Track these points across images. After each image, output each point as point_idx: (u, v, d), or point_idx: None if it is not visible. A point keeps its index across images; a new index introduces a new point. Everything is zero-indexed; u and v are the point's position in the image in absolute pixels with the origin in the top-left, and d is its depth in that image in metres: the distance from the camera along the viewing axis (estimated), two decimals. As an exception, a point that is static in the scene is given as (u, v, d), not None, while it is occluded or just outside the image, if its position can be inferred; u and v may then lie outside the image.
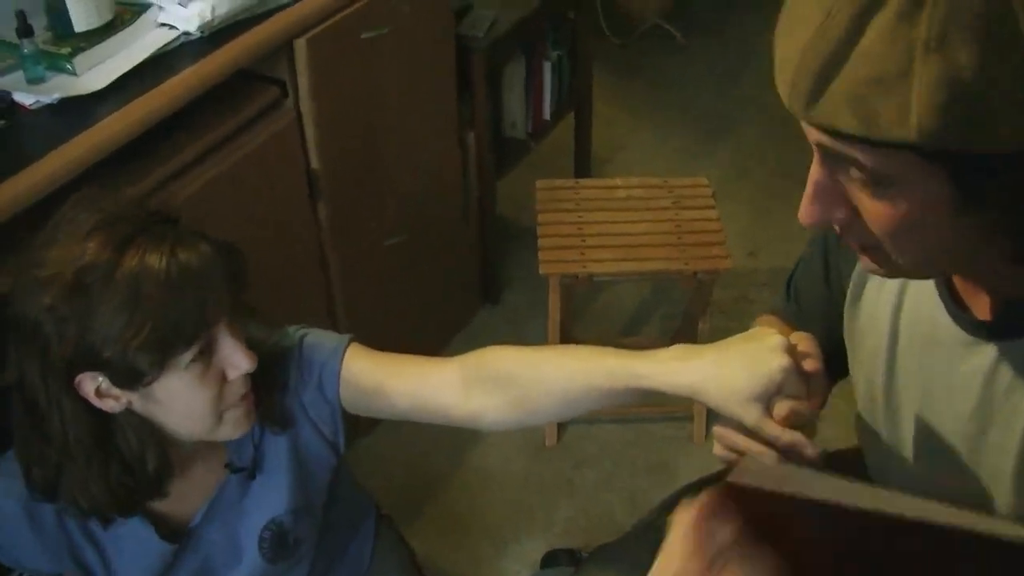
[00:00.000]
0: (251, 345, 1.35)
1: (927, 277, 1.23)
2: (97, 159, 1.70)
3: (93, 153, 1.69)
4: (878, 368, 1.35)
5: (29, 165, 1.63)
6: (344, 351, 1.47)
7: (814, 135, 1.00)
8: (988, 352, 1.17)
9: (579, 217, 2.64)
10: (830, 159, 1.01)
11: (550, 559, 2.46)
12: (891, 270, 1.10)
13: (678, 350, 1.23)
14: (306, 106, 2.12)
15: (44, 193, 1.62)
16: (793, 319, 1.52)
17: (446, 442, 2.77)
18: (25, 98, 1.76)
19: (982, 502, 1.25)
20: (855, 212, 1.05)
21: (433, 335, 2.95)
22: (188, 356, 1.26)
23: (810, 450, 1.15)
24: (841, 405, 1.54)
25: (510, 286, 3.24)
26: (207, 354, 1.29)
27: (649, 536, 1.56)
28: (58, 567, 1.48)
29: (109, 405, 1.28)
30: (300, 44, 2.05)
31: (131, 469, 1.34)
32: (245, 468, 1.48)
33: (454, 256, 2.94)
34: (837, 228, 1.07)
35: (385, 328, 2.65)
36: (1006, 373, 1.15)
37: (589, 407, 1.32)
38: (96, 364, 1.24)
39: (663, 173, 3.36)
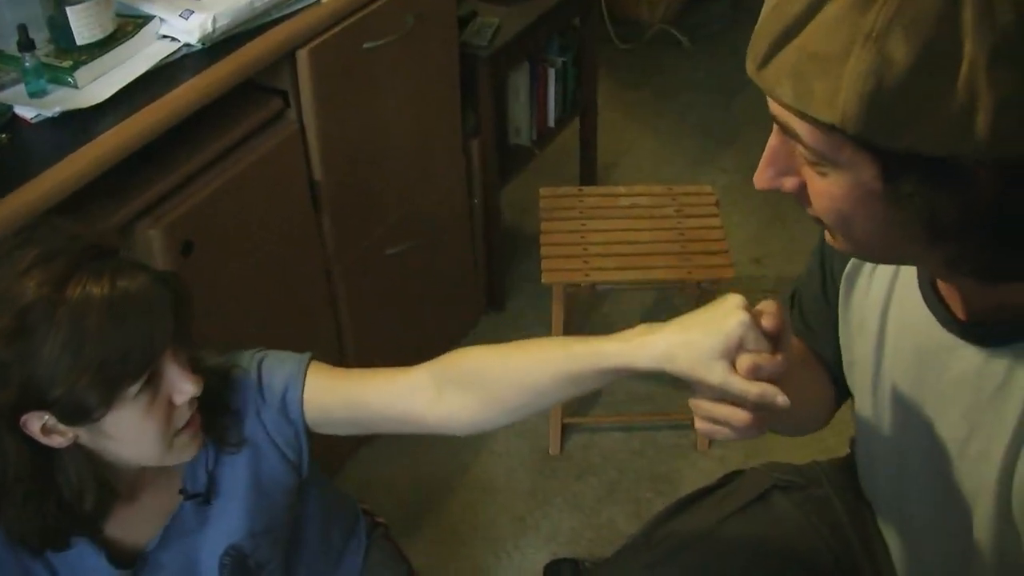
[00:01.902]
0: (196, 368, 1.34)
1: (878, 262, 1.27)
2: (98, 172, 1.70)
3: (94, 167, 1.69)
4: (866, 374, 1.36)
5: (31, 179, 1.63)
6: (305, 371, 1.45)
7: (771, 106, 1.04)
8: (974, 356, 1.17)
9: (582, 225, 2.64)
10: (781, 128, 1.05)
11: (552, 570, 2.46)
12: (843, 247, 1.13)
13: (642, 327, 1.23)
14: (309, 117, 2.12)
15: (46, 207, 1.62)
16: (798, 331, 1.53)
17: (447, 453, 2.77)
18: (26, 112, 1.77)
19: (964, 509, 1.26)
20: (804, 184, 1.08)
21: (437, 342, 2.93)
22: (136, 388, 1.25)
23: (780, 399, 1.15)
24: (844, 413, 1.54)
25: (514, 292, 3.24)
26: (154, 383, 1.28)
27: (642, 553, 1.57)
28: None
29: (56, 441, 1.27)
30: (302, 55, 2.05)
31: (67, 507, 1.33)
32: (200, 494, 1.46)
33: (458, 263, 2.94)
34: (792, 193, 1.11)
35: (389, 335, 2.65)
36: (992, 378, 1.16)
37: (563, 395, 1.32)
38: (42, 404, 1.22)
39: (669, 179, 3.35)
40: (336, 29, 2.11)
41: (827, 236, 1.14)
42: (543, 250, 2.57)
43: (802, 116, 0.98)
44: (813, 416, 1.52)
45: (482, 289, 3.11)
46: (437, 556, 2.52)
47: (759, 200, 3.59)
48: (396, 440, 2.75)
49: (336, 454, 2.68)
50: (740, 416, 1.18)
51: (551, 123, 3.23)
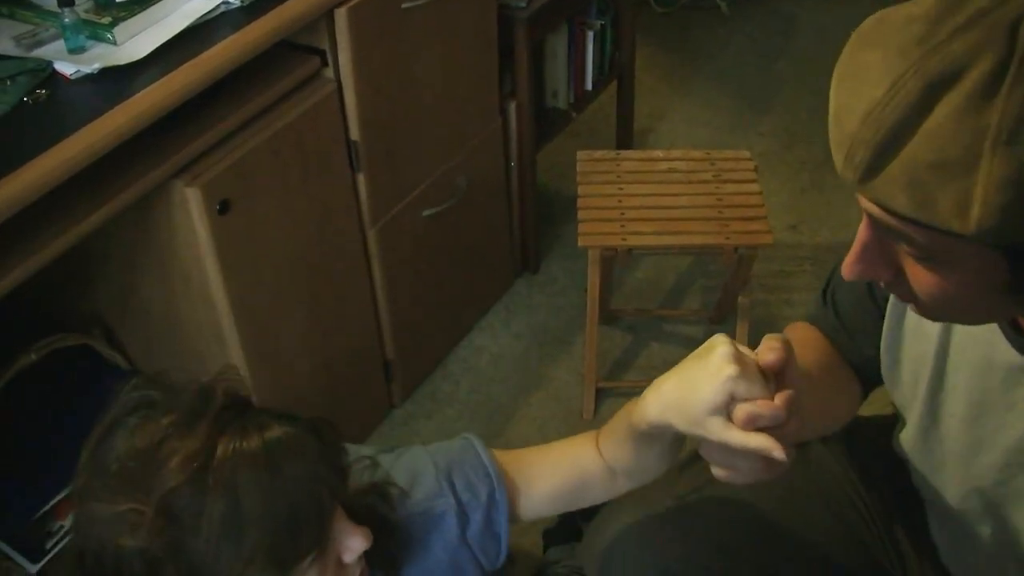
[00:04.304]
0: (352, 508, 1.21)
1: (961, 324, 1.22)
2: (137, 130, 1.69)
3: (132, 124, 1.69)
4: (922, 381, 1.33)
5: (69, 135, 1.63)
6: (500, 479, 1.41)
7: (866, 204, 0.96)
8: None
9: (619, 189, 2.62)
10: (881, 229, 0.98)
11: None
12: (929, 317, 1.10)
13: (656, 382, 1.25)
14: (346, 77, 2.11)
15: (84, 164, 1.62)
16: (830, 329, 1.50)
17: (483, 417, 2.78)
18: (66, 68, 1.76)
19: (1016, 517, 1.26)
20: (900, 272, 1.03)
21: (471, 304, 2.95)
22: (309, 559, 1.10)
23: (777, 453, 1.11)
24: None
25: (549, 256, 3.23)
26: (323, 546, 1.12)
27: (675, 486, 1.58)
28: None
29: None
30: (341, 13, 2.04)
31: None
32: None
33: (493, 226, 2.93)
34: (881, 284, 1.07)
35: (423, 296, 2.65)
36: None
37: (656, 458, 1.36)
38: None
39: (705, 144, 3.32)
40: (375, -12, 2.10)
41: (910, 307, 1.09)
42: (580, 213, 2.55)
43: (920, 225, 0.91)
44: (835, 422, 1.52)
45: (517, 251, 3.10)
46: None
47: (796, 166, 3.56)
48: (427, 406, 2.76)
49: (365, 424, 2.69)
50: (748, 466, 1.17)
51: (588, 86, 3.21)
